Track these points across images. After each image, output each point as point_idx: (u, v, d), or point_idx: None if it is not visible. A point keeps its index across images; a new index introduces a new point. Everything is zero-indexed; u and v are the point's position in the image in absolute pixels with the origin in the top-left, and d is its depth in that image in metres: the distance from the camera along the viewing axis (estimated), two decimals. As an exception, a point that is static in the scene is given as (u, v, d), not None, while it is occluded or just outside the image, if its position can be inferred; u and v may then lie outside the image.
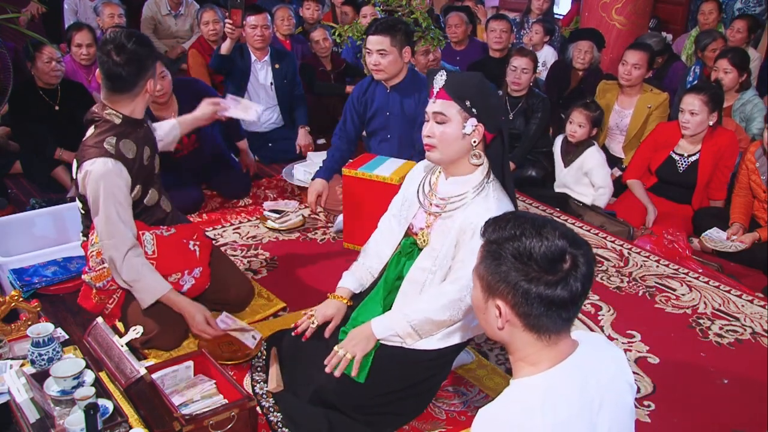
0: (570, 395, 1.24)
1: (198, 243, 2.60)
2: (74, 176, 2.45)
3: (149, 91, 2.41)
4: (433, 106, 2.00)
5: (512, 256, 1.21)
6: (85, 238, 2.60)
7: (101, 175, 2.28)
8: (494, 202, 1.97)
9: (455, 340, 2.08)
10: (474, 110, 1.96)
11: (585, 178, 3.90)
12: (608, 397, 1.29)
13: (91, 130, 2.39)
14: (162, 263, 2.44)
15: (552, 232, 1.22)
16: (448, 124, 1.98)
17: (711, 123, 3.55)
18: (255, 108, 3.03)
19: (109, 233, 2.32)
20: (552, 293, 1.20)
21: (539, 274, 1.20)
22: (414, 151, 3.36)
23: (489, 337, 1.35)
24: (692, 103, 3.54)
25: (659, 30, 6.18)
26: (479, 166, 2.04)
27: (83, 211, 2.54)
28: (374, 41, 3.23)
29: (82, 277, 2.56)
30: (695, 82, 4.59)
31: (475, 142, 1.99)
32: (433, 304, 2.00)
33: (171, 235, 2.55)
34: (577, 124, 3.85)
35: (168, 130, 2.78)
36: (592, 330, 2.71)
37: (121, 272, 2.35)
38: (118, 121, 2.36)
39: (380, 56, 3.24)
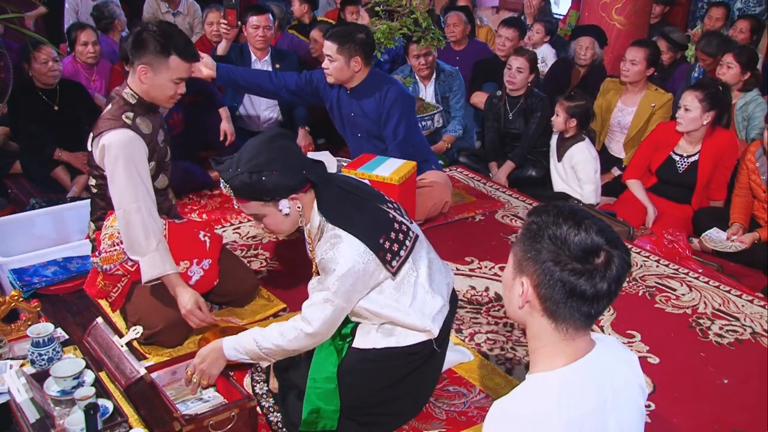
0: (585, 393, 1.24)
1: (209, 235, 2.63)
2: (88, 148, 2.50)
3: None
4: (246, 210, 2.03)
5: (549, 238, 1.23)
6: (95, 227, 2.62)
7: (122, 143, 2.35)
8: (330, 239, 1.95)
9: (406, 341, 2.05)
10: (275, 197, 1.96)
11: (574, 172, 3.95)
12: (621, 399, 1.30)
13: (108, 107, 2.49)
14: (172, 250, 2.46)
15: (592, 226, 1.23)
16: (267, 217, 2.02)
17: (705, 122, 3.54)
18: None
19: (134, 195, 2.35)
20: (575, 281, 1.20)
21: (568, 260, 1.21)
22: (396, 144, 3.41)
23: (509, 316, 1.36)
24: (687, 99, 3.54)
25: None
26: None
27: (95, 189, 2.56)
28: (325, 45, 3.30)
29: (91, 259, 2.59)
30: (699, 78, 4.60)
31: (299, 207, 2.00)
32: (285, 334, 1.99)
33: (183, 223, 2.60)
34: (555, 114, 3.94)
35: None
36: (592, 330, 2.70)
37: (141, 234, 2.35)
38: (133, 101, 2.46)
39: (328, 60, 3.29)
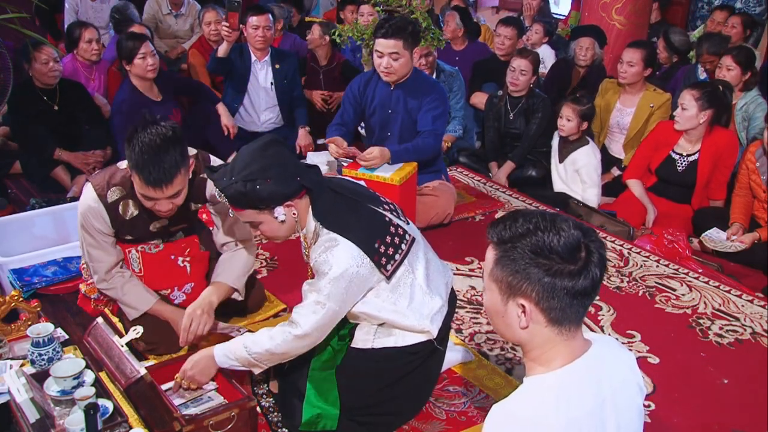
0: (583, 393, 1.25)
1: (188, 259, 2.55)
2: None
3: None
4: (241, 218, 2.02)
5: (531, 252, 1.20)
6: None
7: (85, 210, 2.31)
8: (324, 243, 1.94)
9: (398, 342, 2.05)
10: (270, 204, 1.94)
11: (577, 176, 3.95)
12: (619, 398, 1.30)
13: (123, 164, 2.29)
14: (149, 280, 2.46)
15: (566, 222, 1.22)
16: (263, 224, 1.99)
17: (701, 121, 3.54)
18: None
19: (89, 257, 2.39)
20: (576, 283, 1.20)
21: (562, 266, 1.20)
22: (432, 132, 3.37)
23: (507, 339, 1.34)
24: (685, 97, 3.55)
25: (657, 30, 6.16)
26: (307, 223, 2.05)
27: None
28: (387, 45, 3.17)
29: (79, 285, 2.60)
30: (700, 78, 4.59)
31: (295, 214, 1.98)
32: (275, 337, 1.98)
33: (158, 252, 2.50)
34: (565, 118, 3.90)
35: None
36: (592, 330, 2.71)
37: (103, 293, 2.44)
38: (131, 183, 2.28)
39: (392, 60, 3.20)
